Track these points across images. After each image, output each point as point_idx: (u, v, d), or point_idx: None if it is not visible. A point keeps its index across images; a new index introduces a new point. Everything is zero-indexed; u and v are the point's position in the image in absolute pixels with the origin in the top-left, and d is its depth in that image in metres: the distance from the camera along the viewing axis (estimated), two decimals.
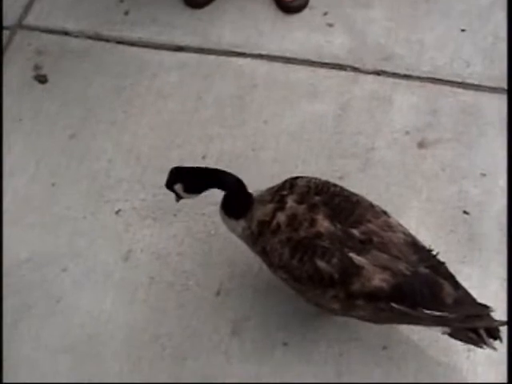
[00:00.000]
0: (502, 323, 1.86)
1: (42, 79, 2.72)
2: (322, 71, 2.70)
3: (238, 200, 1.94)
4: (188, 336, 2.17)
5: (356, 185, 2.25)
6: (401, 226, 1.89)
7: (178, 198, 1.99)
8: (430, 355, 2.11)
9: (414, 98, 2.61)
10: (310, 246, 1.82)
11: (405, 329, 2.12)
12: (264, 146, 2.52)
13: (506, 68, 2.64)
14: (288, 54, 2.74)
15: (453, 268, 1.86)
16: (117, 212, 2.40)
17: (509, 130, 2.47)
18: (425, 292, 1.78)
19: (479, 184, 2.41)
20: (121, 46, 2.81)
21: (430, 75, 2.67)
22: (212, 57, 2.76)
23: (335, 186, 1.94)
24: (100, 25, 2.86)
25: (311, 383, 2.06)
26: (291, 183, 1.93)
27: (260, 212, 1.90)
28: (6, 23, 2.88)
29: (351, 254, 1.79)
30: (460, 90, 2.63)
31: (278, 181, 1.98)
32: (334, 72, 2.69)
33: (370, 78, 2.67)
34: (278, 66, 2.72)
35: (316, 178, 1.96)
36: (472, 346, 2.06)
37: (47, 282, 2.27)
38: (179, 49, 2.80)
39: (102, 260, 2.31)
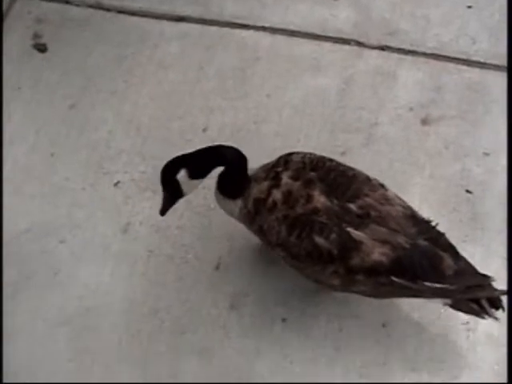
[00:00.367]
0: (503, 292, 1.85)
1: (41, 48, 2.67)
2: (326, 45, 2.66)
3: (235, 178, 1.90)
4: (187, 309, 2.16)
5: (359, 160, 2.25)
6: (399, 198, 1.88)
7: (173, 198, 1.90)
8: (429, 334, 2.11)
9: (418, 74, 2.58)
10: (307, 223, 1.80)
11: (405, 305, 2.12)
12: (266, 120, 2.50)
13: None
14: (292, 27, 2.70)
15: None
16: (116, 184, 2.38)
17: (509, 110, 2.45)
18: (425, 264, 1.77)
19: (482, 163, 2.40)
20: (122, 16, 2.76)
21: (435, 51, 2.64)
22: (214, 28, 2.72)
23: (331, 160, 1.92)
24: None
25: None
26: (286, 159, 1.91)
27: (255, 190, 1.88)
28: None
29: (349, 229, 1.78)
30: (465, 67, 2.60)
31: (279, 155, 1.96)
32: (338, 46, 2.66)
33: (375, 52, 2.64)
34: (281, 38, 2.68)
35: (311, 154, 1.94)
36: (472, 326, 2.08)
37: (46, 253, 2.26)
38: (180, 19, 2.75)
39: (101, 232, 2.29)
